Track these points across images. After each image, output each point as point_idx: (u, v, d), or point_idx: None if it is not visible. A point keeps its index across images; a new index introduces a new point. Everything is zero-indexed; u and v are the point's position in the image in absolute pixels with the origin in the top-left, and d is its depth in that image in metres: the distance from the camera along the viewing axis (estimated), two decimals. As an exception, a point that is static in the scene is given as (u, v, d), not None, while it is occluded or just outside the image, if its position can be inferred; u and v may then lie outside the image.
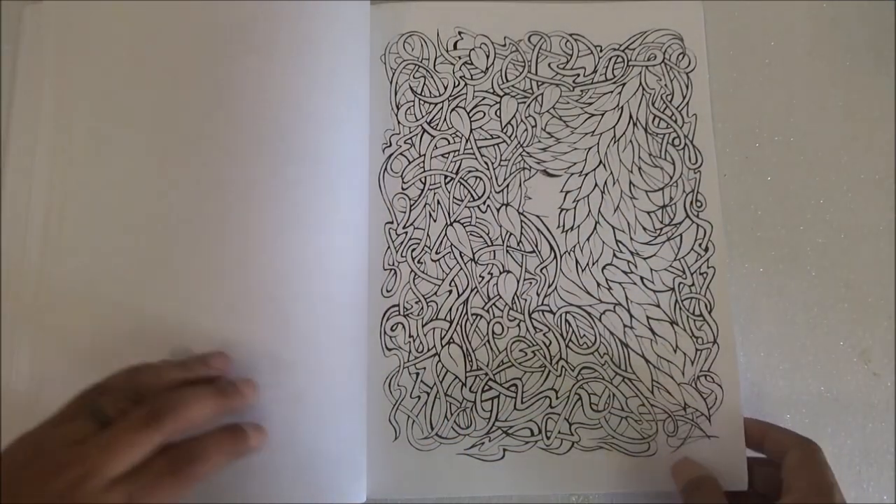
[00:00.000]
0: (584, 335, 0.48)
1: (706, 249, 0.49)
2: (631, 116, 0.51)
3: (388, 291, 0.48)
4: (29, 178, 0.47)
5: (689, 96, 0.51)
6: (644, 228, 0.49)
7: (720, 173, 0.50)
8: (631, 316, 0.48)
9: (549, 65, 0.51)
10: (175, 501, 0.33)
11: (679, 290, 0.48)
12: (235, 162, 0.46)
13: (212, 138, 0.46)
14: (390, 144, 0.50)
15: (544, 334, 0.48)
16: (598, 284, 0.48)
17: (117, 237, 0.46)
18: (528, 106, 0.51)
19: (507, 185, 0.50)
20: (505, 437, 0.46)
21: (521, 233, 0.49)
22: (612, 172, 0.50)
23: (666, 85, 0.51)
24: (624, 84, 0.51)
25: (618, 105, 0.51)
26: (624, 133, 0.50)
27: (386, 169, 0.50)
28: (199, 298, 0.44)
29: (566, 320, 0.48)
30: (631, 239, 0.49)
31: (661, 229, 0.49)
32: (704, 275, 0.48)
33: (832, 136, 0.52)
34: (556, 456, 0.46)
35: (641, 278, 0.48)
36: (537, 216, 0.49)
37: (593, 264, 0.49)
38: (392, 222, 0.49)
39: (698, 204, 0.49)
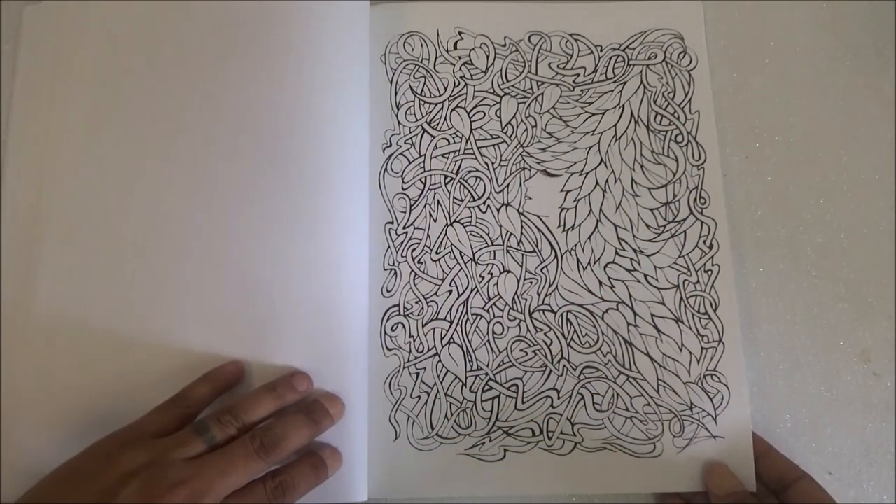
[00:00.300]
0: (587, 334, 0.47)
1: (710, 246, 0.49)
2: (632, 114, 0.51)
3: (388, 291, 0.48)
4: (28, 178, 0.47)
5: (692, 93, 0.51)
6: (647, 226, 0.49)
7: (722, 172, 0.50)
8: (635, 314, 0.48)
9: (549, 65, 0.51)
10: None
11: (684, 287, 0.48)
12: (235, 162, 0.46)
13: (211, 138, 0.46)
14: (390, 144, 0.50)
15: (545, 334, 0.47)
16: (601, 283, 0.48)
17: (115, 237, 0.45)
18: (529, 106, 0.51)
19: (508, 185, 0.50)
20: (506, 438, 0.46)
21: (522, 232, 0.49)
22: (613, 170, 0.50)
23: (667, 83, 0.51)
24: (625, 83, 0.51)
25: (619, 103, 0.51)
26: (625, 131, 0.50)
27: (386, 169, 0.50)
28: (199, 298, 0.44)
29: (567, 319, 0.48)
30: (634, 236, 0.49)
31: (665, 226, 0.49)
32: (709, 272, 0.48)
33: (832, 136, 0.52)
34: (557, 457, 0.46)
35: (645, 276, 0.48)
36: (538, 216, 0.49)
37: (595, 263, 0.48)
38: (392, 222, 0.49)
39: (702, 200, 0.49)
